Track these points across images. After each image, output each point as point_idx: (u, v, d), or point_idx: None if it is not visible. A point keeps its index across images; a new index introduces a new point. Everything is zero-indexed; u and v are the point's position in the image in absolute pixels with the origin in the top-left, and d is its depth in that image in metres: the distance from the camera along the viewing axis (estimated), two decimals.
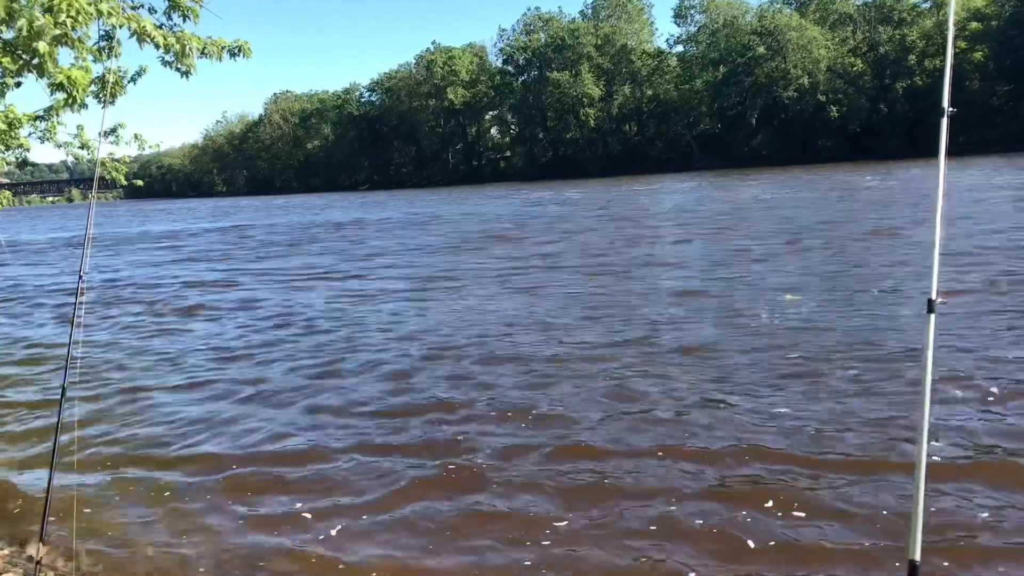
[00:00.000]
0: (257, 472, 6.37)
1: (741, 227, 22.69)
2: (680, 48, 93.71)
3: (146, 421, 7.94)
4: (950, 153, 3.35)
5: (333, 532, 5.27)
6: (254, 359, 10.35)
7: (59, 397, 4.53)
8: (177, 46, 5.29)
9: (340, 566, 4.84)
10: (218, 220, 50.69)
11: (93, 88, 6.05)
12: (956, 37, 68.22)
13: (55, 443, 4.52)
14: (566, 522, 5.16)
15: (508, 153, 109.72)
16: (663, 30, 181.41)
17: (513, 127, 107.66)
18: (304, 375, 9.26)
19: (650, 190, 48.03)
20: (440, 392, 8.17)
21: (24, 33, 4.53)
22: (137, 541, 5.34)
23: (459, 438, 6.75)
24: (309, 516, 5.52)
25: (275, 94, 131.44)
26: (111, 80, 5.85)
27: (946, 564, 4.34)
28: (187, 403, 8.50)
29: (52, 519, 4.88)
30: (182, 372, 9.87)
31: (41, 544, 4.53)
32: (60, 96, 5.59)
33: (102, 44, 6.18)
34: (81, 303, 4.56)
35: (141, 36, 5.11)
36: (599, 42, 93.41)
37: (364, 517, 5.46)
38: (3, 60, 5.21)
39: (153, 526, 5.55)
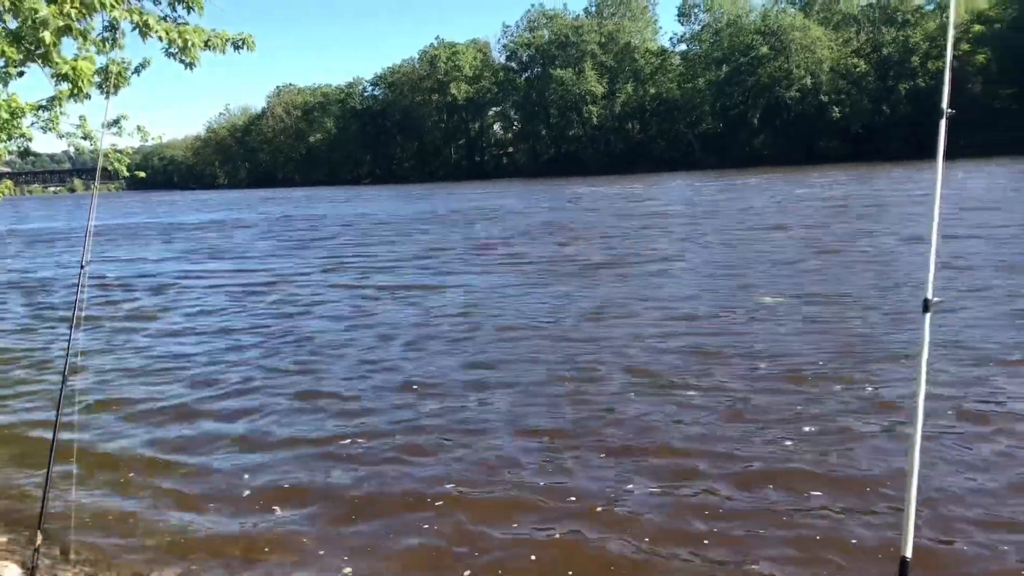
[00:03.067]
0: (261, 465, 6.40)
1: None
2: (683, 47, 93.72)
3: (147, 411, 7.97)
4: (951, 155, 3.37)
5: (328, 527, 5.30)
6: (263, 352, 10.38)
7: (59, 386, 4.56)
8: (180, 40, 5.30)
9: (345, 558, 4.88)
10: (253, 210, 50.66)
11: (96, 79, 6.07)
12: (959, 40, 68.31)
13: (55, 431, 4.55)
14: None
15: (511, 149, 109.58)
16: (667, 28, 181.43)
17: (516, 123, 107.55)
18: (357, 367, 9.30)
19: (675, 185, 48.00)
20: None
21: (29, 23, 4.55)
22: (135, 530, 5.37)
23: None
24: (310, 506, 5.56)
25: (278, 87, 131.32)
26: (114, 71, 5.86)
27: (938, 562, 4.36)
28: (190, 393, 8.52)
29: (51, 508, 4.91)
30: (190, 365, 9.89)
31: (39, 532, 4.56)
32: (65, 86, 5.61)
33: (106, 35, 6.19)
34: (83, 294, 4.58)
35: (144, 29, 5.12)
36: (603, 40, 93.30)
37: (375, 513, 5.49)
38: (8, 50, 5.22)
39: (151, 515, 5.57)
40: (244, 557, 4.94)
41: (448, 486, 5.75)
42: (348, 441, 6.76)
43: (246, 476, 6.13)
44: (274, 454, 6.56)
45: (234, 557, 4.95)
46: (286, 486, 5.91)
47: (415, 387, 8.24)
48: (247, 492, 5.86)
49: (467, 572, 4.62)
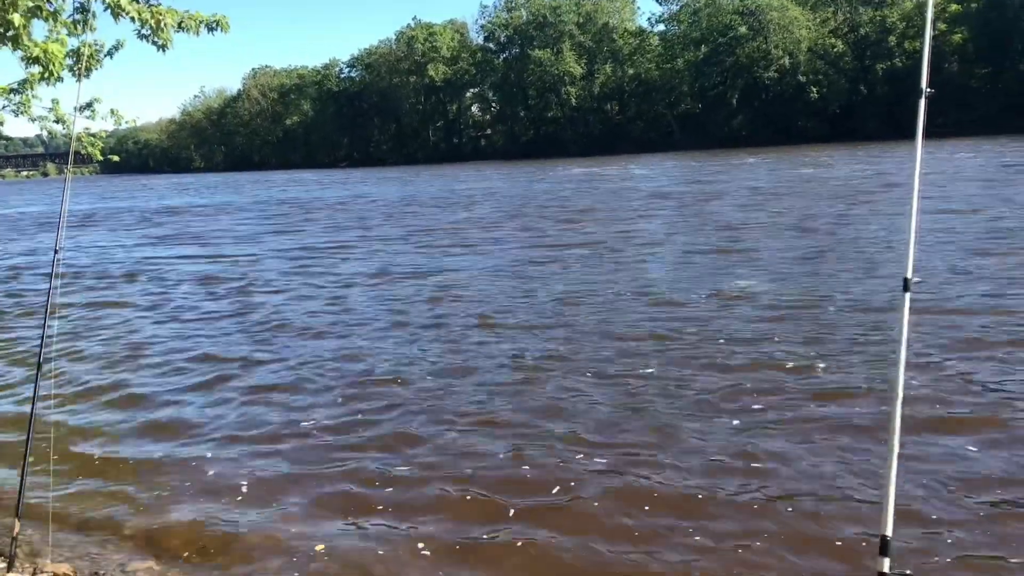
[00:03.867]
0: (245, 454, 6.37)
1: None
2: (662, 27, 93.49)
3: (124, 400, 7.91)
4: (928, 134, 3.37)
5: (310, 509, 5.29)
6: (246, 339, 10.32)
7: (35, 371, 4.50)
8: (152, 20, 5.22)
9: (319, 547, 4.87)
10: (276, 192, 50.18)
11: (68, 61, 5.97)
12: (936, 19, 68.50)
13: (31, 420, 4.50)
14: None
15: (489, 131, 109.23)
16: (645, 9, 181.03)
17: (494, 105, 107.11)
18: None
19: (729, 166, 47.99)
20: None
21: None
22: (113, 518, 5.34)
23: None
24: (289, 494, 5.54)
25: (254, 69, 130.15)
26: (86, 54, 5.77)
27: (917, 540, 4.40)
28: (168, 379, 8.47)
29: (29, 497, 4.86)
30: (169, 354, 9.82)
31: (17, 520, 4.52)
32: (36, 69, 5.51)
33: (77, 17, 6.09)
34: (57, 280, 4.52)
35: (115, 10, 5.04)
36: (581, 20, 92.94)
37: (367, 500, 5.48)
38: None
39: (131, 503, 5.54)
40: (222, 546, 4.92)
41: (405, 470, 5.76)
42: (326, 431, 6.74)
43: (226, 466, 6.10)
44: (255, 445, 6.52)
45: (212, 545, 4.93)
46: (264, 476, 5.88)
47: (422, 373, 8.23)
48: (225, 481, 5.83)
49: (426, 552, 4.64)
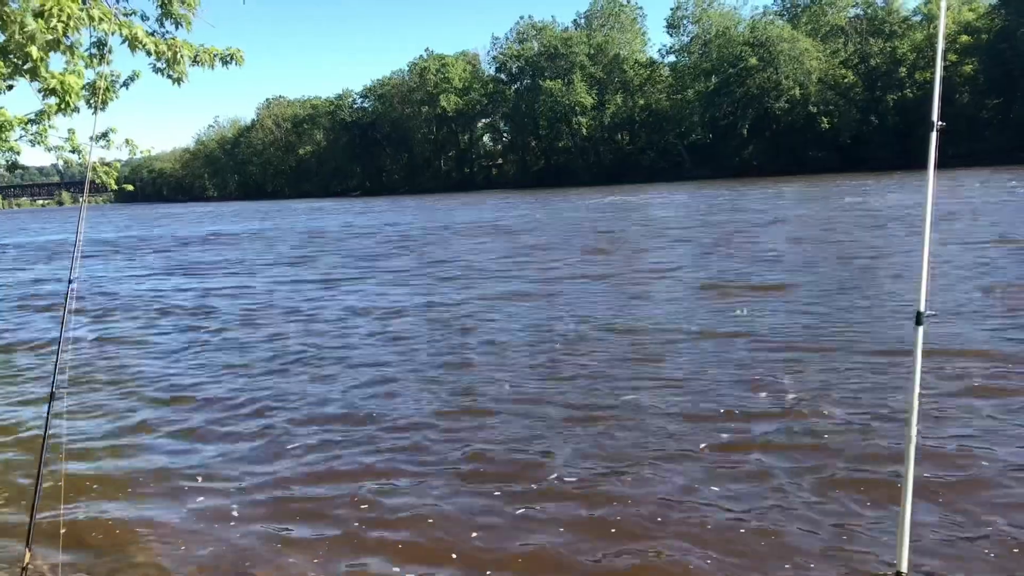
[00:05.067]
0: (254, 487, 6.34)
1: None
2: (672, 58, 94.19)
3: (138, 426, 7.91)
4: (939, 165, 3.38)
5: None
6: (268, 371, 10.32)
7: (47, 402, 4.50)
8: (168, 53, 5.29)
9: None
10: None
11: (85, 93, 6.06)
12: (946, 50, 68.76)
13: (42, 448, 4.49)
14: None
15: (500, 161, 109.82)
16: (655, 40, 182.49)
17: (505, 135, 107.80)
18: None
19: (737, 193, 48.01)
20: None
21: (16, 37, 4.53)
22: (124, 547, 5.31)
23: None
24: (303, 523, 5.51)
25: (268, 99, 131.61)
26: (103, 86, 5.85)
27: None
28: (184, 412, 8.46)
29: (40, 526, 4.85)
30: (182, 382, 9.82)
31: (28, 550, 4.50)
32: (52, 101, 5.59)
33: (93, 51, 6.19)
34: (71, 307, 4.54)
35: (133, 43, 5.11)
36: (592, 51, 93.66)
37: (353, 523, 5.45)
38: None
39: (142, 532, 5.51)
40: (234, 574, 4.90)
41: (368, 461, 5.76)
42: (361, 477, 6.72)
43: (233, 494, 6.07)
44: (269, 471, 6.50)
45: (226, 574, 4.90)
46: (281, 501, 5.86)
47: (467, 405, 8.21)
48: (240, 511, 5.80)
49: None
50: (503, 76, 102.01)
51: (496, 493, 5.76)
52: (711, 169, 78.33)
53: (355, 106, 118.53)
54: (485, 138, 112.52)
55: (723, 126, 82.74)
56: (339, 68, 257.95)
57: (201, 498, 6.08)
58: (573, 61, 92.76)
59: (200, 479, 6.45)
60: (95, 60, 6.20)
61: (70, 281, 4.42)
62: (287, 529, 5.45)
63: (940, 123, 3.28)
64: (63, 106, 5.55)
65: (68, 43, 5.15)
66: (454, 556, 4.93)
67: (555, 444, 6.66)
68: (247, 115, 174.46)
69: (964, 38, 72.32)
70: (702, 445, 6.45)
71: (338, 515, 5.60)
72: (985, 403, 7.04)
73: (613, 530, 5.13)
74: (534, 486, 5.85)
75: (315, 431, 7.43)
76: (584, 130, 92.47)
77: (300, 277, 19.72)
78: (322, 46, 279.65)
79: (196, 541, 5.36)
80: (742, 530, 5.03)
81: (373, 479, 6.15)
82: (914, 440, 3.08)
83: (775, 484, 5.67)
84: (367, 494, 5.89)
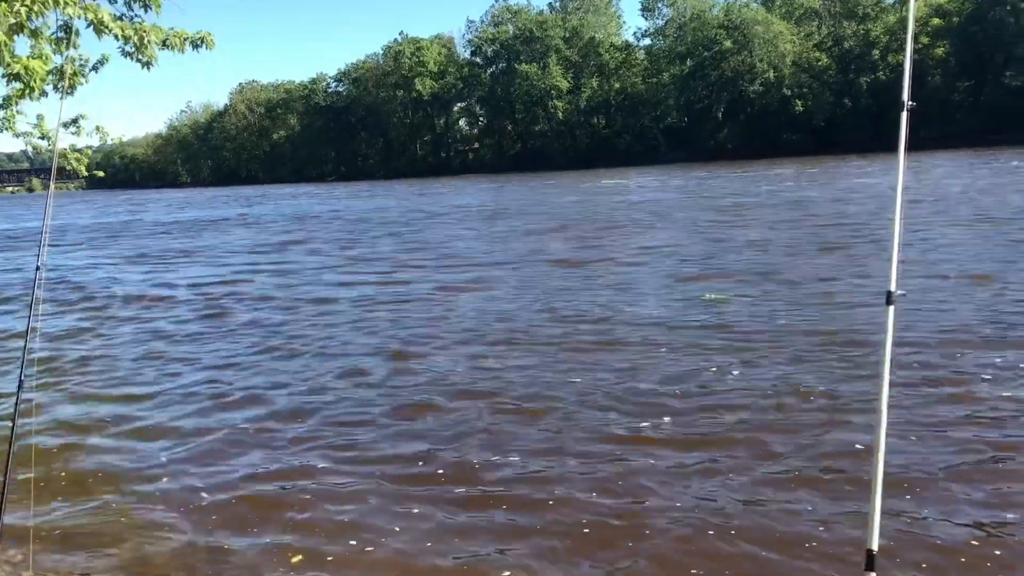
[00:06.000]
0: (220, 474, 6.32)
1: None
2: (647, 41, 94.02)
3: (109, 416, 7.84)
4: (911, 147, 3.39)
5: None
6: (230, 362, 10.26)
7: (15, 391, 4.46)
8: (136, 37, 5.21)
9: (296, 559, 4.82)
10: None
11: (52, 78, 5.96)
12: (918, 33, 69.22)
13: (12, 437, 4.45)
14: None
15: (476, 145, 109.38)
16: (631, 23, 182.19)
17: (481, 119, 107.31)
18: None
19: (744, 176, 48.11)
20: None
21: None
22: (96, 537, 5.28)
23: None
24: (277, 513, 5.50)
25: (240, 84, 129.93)
26: (70, 70, 5.76)
27: (904, 554, 4.40)
28: (155, 400, 8.40)
29: (9, 515, 4.81)
30: (153, 375, 9.74)
31: None
32: (17, 86, 5.50)
33: (61, 34, 6.08)
34: (39, 295, 4.49)
35: (99, 27, 5.03)
36: (567, 35, 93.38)
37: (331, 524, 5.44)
38: None
39: (115, 522, 5.48)
40: (210, 565, 4.87)
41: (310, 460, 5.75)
42: (318, 449, 6.70)
43: (215, 484, 6.04)
44: (235, 466, 6.45)
45: (198, 564, 4.88)
46: (249, 495, 5.83)
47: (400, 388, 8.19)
48: (213, 499, 5.77)
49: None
50: (478, 60, 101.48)
51: (438, 494, 5.65)
52: (686, 152, 78.48)
53: (329, 90, 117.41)
54: (461, 122, 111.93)
55: (698, 109, 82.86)
56: (313, 52, 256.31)
57: (181, 484, 6.05)
58: (548, 44, 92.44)
59: (179, 465, 6.42)
60: (62, 44, 6.10)
61: (37, 268, 4.36)
62: (271, 516, 5.44)
63: (910, 103, 3.29)
64: (28, 91, 5.46)
65: (33, 27, 5.07)
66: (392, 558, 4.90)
67: (501, 441, 6.52)
68: (220, 100, 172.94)
69: (936, 21, 72.78)
70: (658, 436, 6.47)
71: (275, 517, 5.54)
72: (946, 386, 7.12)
73: (559, 531, 5.09)
74: (479, 488, 5.78)
75: (261, 427, 7.32)
76: (560, 114, 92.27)
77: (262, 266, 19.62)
78: (295, 30, 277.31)
79: (163, 535, 5.32)
80: (711, 524, 5.07)
81: (311, 479, 6.05)
82: (885, 416, 3.11)
83: (737, 474, 5.71)
84: (304, 494, 5.80)
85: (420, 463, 6.13)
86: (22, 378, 4.30)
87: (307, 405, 7.76)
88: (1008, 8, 67.60)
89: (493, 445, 6.40)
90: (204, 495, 5.83)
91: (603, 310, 11.25)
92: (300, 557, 4.84)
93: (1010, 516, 4.76)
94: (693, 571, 4.44)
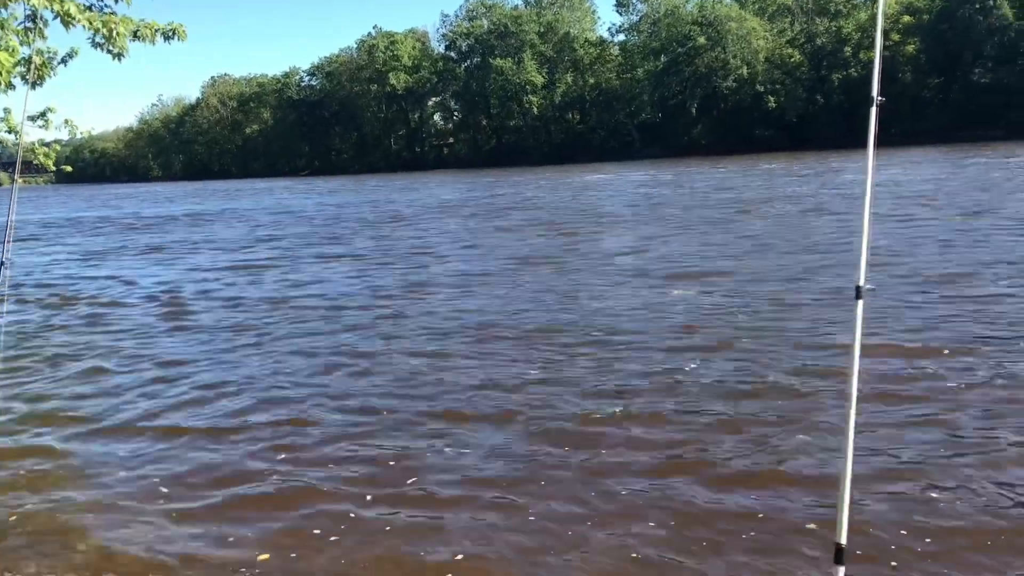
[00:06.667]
0: (192, 489, 6.27)
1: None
2: (622, 37, 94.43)
3: (74, 417, 7.75)
4: (882, 143, 3.42)
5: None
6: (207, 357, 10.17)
7: None
8: (104, 30, 5.15)
9: (262, 556, 4.80)
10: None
11: (21, 69, 5.87)
12: (889, 30, 69.91)
13: None
14: None
15: (451, 140, 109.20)
16: (605, 19, 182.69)
17: (456, 113, 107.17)
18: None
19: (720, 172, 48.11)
20: None
21: None
22: (66, 534, 5.22)
23: None
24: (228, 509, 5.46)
25: (213, 77, 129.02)
26: (38, 62, 5.68)
27: (872, 550, 4.43)
28: (124, 394, 8.31)
29: None
30: (121, 361, 9.64)
31: None
32: None
33: (29, 24, 5.99)
34: (4, 289, 4.43)
35: (65, 19, 4.96)
36: (542, 30, 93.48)
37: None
38: None
39: (84, 519, 5.41)
40: (178, 564, 4.83)
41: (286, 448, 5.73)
42: (282, 449, 6.66)
43: (168, 484, 5.97)
44: (198, 463, 6.38)
45: (168, 562, 4.83)
46: (213, 493, 5.78)
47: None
48: (179, 494, 5.72)
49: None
50: (453, 54, 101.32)
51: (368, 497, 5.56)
52: (660, 148, 78.88)
53: (302, 84, 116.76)
54: (436, 117, 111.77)
55: (672, 105, 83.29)
56: (286, 45, 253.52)
57: (148, 480, 5.99)
58: (523, 39, 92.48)
59: (146, 461, 6.36)
60: (30, 35, 6.01)
61: (1, 264, 4.30)
62: (239, 516, 5.40)
63: (880, 99, 3.32)
64: None
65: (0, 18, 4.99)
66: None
67: (454, 445, 6.39)
68: (192, 93, 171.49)
69: (906, 18, 73.63)
70: (624, 431, 6.50)
71: (242, 515, 5.52)
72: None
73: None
74: (437, 488, 5.79)
75: (221, 425, 7.27)
76: (535, 109, 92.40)
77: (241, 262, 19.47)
78: (268, 23, 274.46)
79: (139, 524, 5.28)
80: (679, 519, 5.10)
81: (277, 476, 6.00)
82: (854, 410, 3.14)
83: (706, 469, 5.74)
84: (270, 492, 5.75)
85: (388, 463, 6.10)
86: None
87: (270, 403, 7.64)
88: (977, 6, 68.46)
89: (453, 445, 6.35)
90: (167, 491, 5.77)
91: (572, 309, 11.27)
92: (267, 556, 4.81)
93: (981, 506, 4.82)
94: (661, 566, 4.44)
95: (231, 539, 5.04)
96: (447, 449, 6.22)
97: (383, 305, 12.22)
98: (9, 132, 7.42)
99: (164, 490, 5.80)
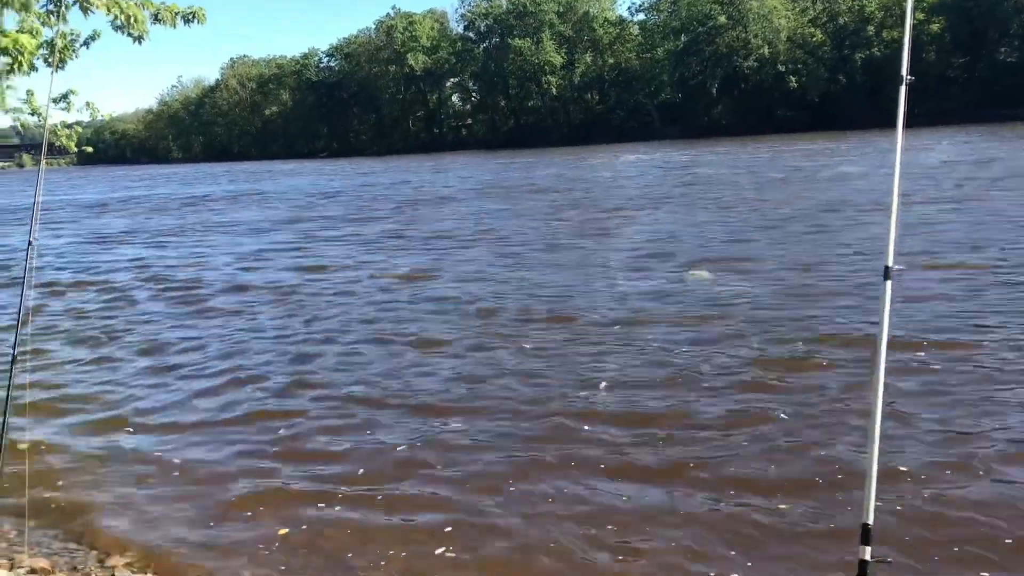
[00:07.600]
0: (227, 452, 6.32)
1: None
2: (642, 16, 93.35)
3: (103, 395, 7.82)
4: (907, 123, 3.36)
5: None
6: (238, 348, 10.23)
7: (8, 366, 4.44)
8: (123, 16, 5.14)
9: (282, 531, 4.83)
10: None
11: (43, 52, 5.89)
12: (914, 8, 68.83)
13: (5, 414, 4.43)
14: None
15: (469, 121, 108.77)
16: None
17: (474, 95, 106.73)
18: None
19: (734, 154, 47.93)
20: None
21: None
22: (91, 513, 5.27)
23: None
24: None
25: (232, 59, 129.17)
26: (60, 45, 5.69)
27: (899, 529, 4.41)
28: (150, 379, 8.37)
29: (4, 492, 4.80)
30: (146, 347, 9.71)
31: None
32: (6, 60, 5.43)
33: (51, 7, 6.01)
34: (31, 268, 4.45)
35: (84, 5, 4.97)
36: (561, 9, 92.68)
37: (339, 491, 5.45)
38: None
39: (109, 499, 5.47)
40: (203, 541, 4.87)
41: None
42: (309, 437, 6.70)
43: (205, 463, 6.01)
44: (238, 444, 6.43)
45: (192, 540, 4.88)
46: (246, 474, 5.82)
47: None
48: (206, 476, 5.77)
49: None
50: (471, 35, 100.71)
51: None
52: (680, 128, 78.13)
53: (321, 65, 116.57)
54: (454, 98, 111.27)
55: (692, 85, 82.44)
56: (304, 27, 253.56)
57: (175, 462, 6.04)
58: (542, 19, 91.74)
59: (172, 444, 6.41)
60: (52, 18, 6.03)
61: (30, 243, 4.32)
62: (257, 510, 5.44)
63: (910, 77, 3.27)
64: (17, 65, 5.40)
65: (22, 0, 5.01)
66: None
67: (453, 436, 6.30)
68: (211, 75, 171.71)
69: None
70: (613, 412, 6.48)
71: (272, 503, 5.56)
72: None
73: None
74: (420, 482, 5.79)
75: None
76: (554, 89, 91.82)
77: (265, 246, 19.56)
78: (287, 4, 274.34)
79: (164, 504, 5.34)
80: (700, 511, 5.09)
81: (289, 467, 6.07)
82: (881, 391, 3.11)
83: (725, 456, 5.73)
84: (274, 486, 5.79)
85: (369, 458, 6.09)
86: (15, 354, 4.28)
87: (283, 396, 7.66)
88: None
89: (451, 437, 6.28)
90: (199, 474, 5.82)
91: (584, 294, 11.25)
92: (286, 531, 4.86)
93: (1005, 492, 4.79)
94: (662, 566, 4.41)
95: (239, 527, 5.07)
96: (446, 440, 6.19)
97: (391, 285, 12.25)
98: (32, 114, 7.45)
99: (176, 476, 5.85)
